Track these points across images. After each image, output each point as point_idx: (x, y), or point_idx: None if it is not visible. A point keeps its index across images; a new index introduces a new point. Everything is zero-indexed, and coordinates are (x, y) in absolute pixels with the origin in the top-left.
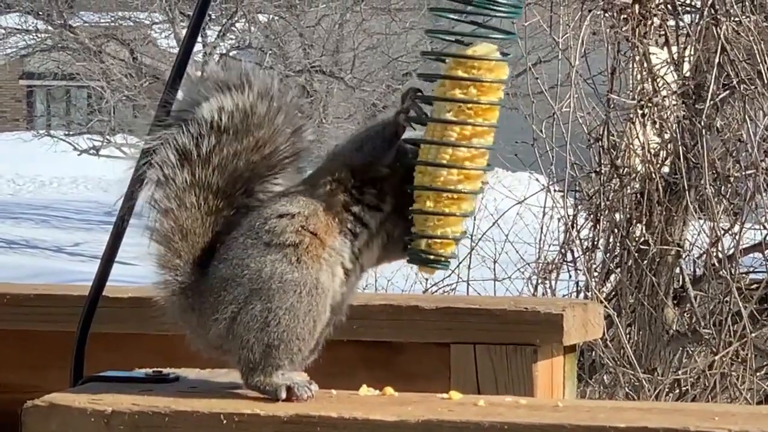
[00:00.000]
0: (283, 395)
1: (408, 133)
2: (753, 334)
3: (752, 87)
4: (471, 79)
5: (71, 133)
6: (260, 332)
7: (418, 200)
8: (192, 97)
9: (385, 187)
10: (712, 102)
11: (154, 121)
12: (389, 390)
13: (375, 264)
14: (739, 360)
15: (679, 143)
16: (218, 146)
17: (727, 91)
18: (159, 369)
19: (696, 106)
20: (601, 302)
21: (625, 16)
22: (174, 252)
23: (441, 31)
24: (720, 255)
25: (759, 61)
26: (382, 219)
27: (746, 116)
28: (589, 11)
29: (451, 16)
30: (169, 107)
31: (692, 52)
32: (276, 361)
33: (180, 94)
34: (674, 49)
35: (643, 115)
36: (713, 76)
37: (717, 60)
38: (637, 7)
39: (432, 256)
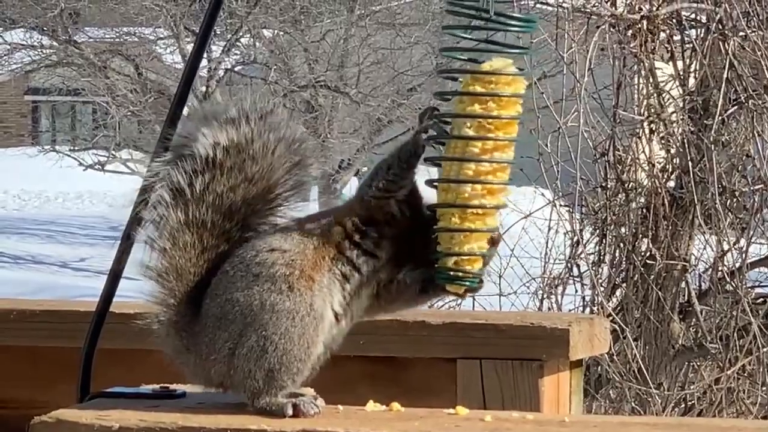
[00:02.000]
0: (290, 412)
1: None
2: (765, 349)
3: (760, 102)
4: (489, 94)
5: (76, 148)
6: (260, 360)
7: (443, 218)
8: (189, 131)
9: (385, 233)
10: (717, 117)
11: (153, 156)
12: (396, 405)
13: (366, 314)
14: (746, 374)
15: (688, 158)
16: (212, 183)
17: (735, 107)
18: (166, 385)
19: (703, 121)
20: (608, 317)
21: (633, 31)
22: (169, 291)
23: (456, 48)
24: (726, 269)
25: (767, 75)
26: (376, 267)
27: (754, 132)
28: (597, 27)
29: (465, 34)
30: (167, 142)
31: (698, 67)
32: (279, 383)
33: (179, 128)
34: (680, 64)
35: (652, 131)
36: (721, 92)
37: (725, 75)
38: (645, 22)
39: (460, 273)
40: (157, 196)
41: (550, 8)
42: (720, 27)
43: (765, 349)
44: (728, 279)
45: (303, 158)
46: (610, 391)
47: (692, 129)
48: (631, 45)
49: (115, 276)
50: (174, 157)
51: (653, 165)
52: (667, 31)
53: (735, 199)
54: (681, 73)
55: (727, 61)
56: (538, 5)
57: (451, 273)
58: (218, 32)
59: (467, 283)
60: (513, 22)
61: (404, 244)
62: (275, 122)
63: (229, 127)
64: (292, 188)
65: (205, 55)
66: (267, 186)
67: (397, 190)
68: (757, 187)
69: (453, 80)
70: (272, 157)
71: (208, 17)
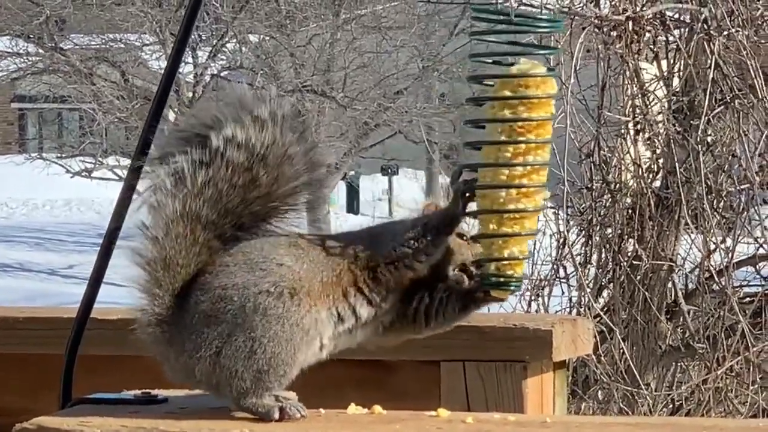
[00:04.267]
0: (277, 415)
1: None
2: (754, 348)
3: (747, 102)
4: (520, 96)
5: (63, 155)
6: (248, 360)
7: (482, 224)
8: (213, 115)
9: (395, 289)
10: (704, 117)
11: (173, 130)
12: (377, 408)
13: (357, 345)
14: (734, 374)
15: (678, 159)
16: (214, 179)
17: (722, 107)
18: (148, 390)
19: (689, 121)
20: (595, 317)
21: (618, 32)
22: (155, 281)
23: (484, 54)
24: (713, 269)
25: (753, 75)
26: (378, 314)
27: (740, 131)
28: (583, 28)
29: (492, 38)
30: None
31: (682, 68)
32: (266, 384)
33: (198, 110)
34: (664, 64)
35: (638, 131)
36: (707, 92)
37: (711, 75)
38: (630, 23)
39: (503, 279)
40: (160, 180)
41: (533, 9)
42: (705, 27)
43: (754, 348)
44: (715, 279)
45: (316, 181)
46: (598, 392)
47: (678, 129)
48: (617, 46)
49: (95, 282)
50: (186, 140)
51: (639, 166)
52: (652, 32)
53: (721, 199)
54: (665, 73)
55: (713, 61)
56: (521, 7)
57: (494, 279)
58: (204, 38)
59: (511, 288)
60: (539, 24)
61: (412, 285)
62: (301, 135)
63: (253, 125)
64: (291, 205)
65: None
66: (270, 193)
67: (423, 260)
68: (743, 186)
69: (484, 84)
70: (286, 168)
71: (186, 21)
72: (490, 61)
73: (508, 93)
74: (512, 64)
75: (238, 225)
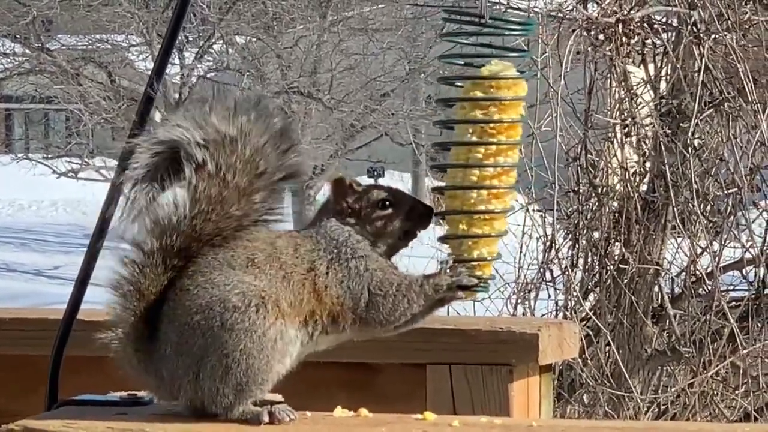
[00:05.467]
0: (266, 419)
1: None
2: (745, 352)
3: (736, 105)
4: (491, 98)
5: (50, 156)
6: (225, 376)
7: (451, 225)
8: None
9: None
10: (694, 120)
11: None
12: (363, 411)
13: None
14: (719, 378)
15: (666, 162)
16: (189, 216)
17: (711, 110)
18: (134, 392)
19: (678, 123)
20: (581, 321)
21: (608, 35)
22: (130, 311)
23: (455, 55)
24: (699, 273)
25: (743, 78)
26: (345, 327)
27: (730, 134)
28: (572, 31)
29: (463, 40)
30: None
31: (670, 71)
32: (249, 394)
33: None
34: (651, 67)
35: (627, 135)
36: (697, 95)
37: (701, 78)
38: (620, 26)
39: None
40: (141, 219)
41: (522, 12)
42: (695, 30)
43: (745, 352)
44: (702, 282)
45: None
46: (584, 396)
47: (666, 132)
48: (607, 49)
49: (82, 284)
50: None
51: (626, 169)
52: (642, 35)
53: (708, 203)
54: (653, 76)
55: (703, 64)
56: (509, 10)
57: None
58: (191, 39)
59: (479, 289)
60: (511, 27)
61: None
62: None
63: (218, 147)
64: (265, 213)
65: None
66: (241, 217)
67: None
68: (731, 190)
69: (452, 85)
70: (251, 200)
71: (174, 21)
72: (462, 62)
73: (479, 94)
74: (483, 66)
75: (209, 244)
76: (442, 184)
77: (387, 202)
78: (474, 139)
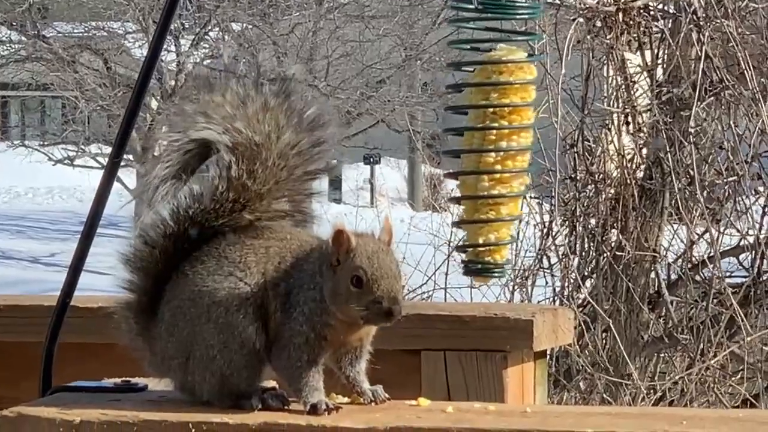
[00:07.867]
0: (258, 406)
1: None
2: (748, 339)
3: (737, 92)
4: (503, 83)
5: (46, 143)
6: (211, 365)
7: (465, 211)
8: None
9: None
10: (695, 108)
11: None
12: (358, 398)
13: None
14: (717, 365)
15: (667, 149)
16: (206, 210)
17: (712, 97)
18: (128, 378)
19: (678, 111)
20: (578, 308)
21: (608, 23)
22: (136, 287)
23: (463, 41)
24: (696, 259)
25: (743, 66)
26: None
27: (731, 122)
28: (573, 19)
29: (472, 25)
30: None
31: (668, 59)
32: (236, 385)
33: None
34: (648, 54)
35: (628, 123)
36: (698, 82)
37: (701, 66)
38: (621, 14)
39: (480, 265)
40: (162, 207)
41: None
42: (695, 17)
43: (749, 339)
44: (699, 269)
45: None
46: (581, 382)
47: (665, 120)
48: (607, 37)
49: (75, 270)
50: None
51: (623, 156)
52: (642, 23)
53: (705, 189)
54: (651, 64)
55: (703, 51)
56: None
57: (471, 266)
58: (187, 26)
59: (492, 274)
60: (518, 10)
61: None
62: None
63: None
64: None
65: (173, 49)
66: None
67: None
68: (731, 179)
69: (462, 70)
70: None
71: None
72: (469, 47)
73: (487, 78)
74: (490, 50)
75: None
76: (439, 171)
77: (358, 280)
78: (487, 123)
